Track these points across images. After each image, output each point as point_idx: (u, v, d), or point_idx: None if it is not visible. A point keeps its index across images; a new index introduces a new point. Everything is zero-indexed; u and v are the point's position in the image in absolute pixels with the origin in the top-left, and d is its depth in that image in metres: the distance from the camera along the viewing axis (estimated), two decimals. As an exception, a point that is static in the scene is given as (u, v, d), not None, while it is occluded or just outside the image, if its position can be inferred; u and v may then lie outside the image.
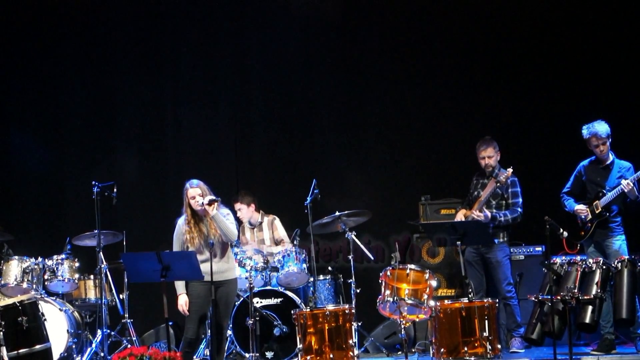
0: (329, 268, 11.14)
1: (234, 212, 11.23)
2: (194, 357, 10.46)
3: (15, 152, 12.63)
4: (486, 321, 8.98)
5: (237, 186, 12.17)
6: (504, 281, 10.38)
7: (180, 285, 9.05)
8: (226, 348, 10.55)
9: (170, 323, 9.19)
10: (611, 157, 10.01)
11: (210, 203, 8.97)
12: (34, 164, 12.57)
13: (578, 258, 9.36)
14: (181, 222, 9.22)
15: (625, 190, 9.69)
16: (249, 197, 11.34)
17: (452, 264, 11.13)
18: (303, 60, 12.59)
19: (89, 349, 10.66)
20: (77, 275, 10.86)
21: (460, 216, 10.53)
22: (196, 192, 9.08)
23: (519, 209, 10.38)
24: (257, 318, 9.85)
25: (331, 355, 9.19)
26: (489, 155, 10.46)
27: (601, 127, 9.89)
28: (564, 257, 9.76)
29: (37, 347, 8.60)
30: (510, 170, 10.16)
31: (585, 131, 9.98)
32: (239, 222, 11.40)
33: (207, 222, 9.06)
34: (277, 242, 11.32)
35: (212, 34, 12.69)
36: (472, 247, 10.41)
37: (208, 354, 10.21)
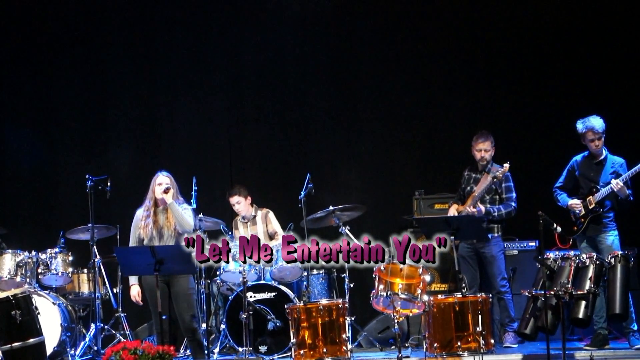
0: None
1: (230, 207, 11.25)
2: (185, 350, 10.51)
3: (9, 146, 12.61)
4: (479, 316, 8.97)
5: (231, 180, 12.17)
6: (499, 276, 10.39)
7: (133, 277, 9.25)
8: (219, 342, 10.58)
9: (164, 317, 9.19)
10: (604, 152, 10.02)
11: (165, 191, 9.13)
12: (28, 158, 12.56)
13: (572, 253, 9.35)
14: (138, 212, 9.39)
15: (615, 190, 9.70)
16: (245, 190, 11.34)
17: (446, 259, 11.12)
18: (297, 55, 12.59)
19: (82, 343, 10.67)
20: (70, 269, 10.86)
21: (452, 211, 10.53)
22: (165, 180, 9.24)
23: (513, 204, 10.38)
24: (251, 312, 9.86)
25: (324, 350, 9.18)
26: (486, 149, 10.45)
27: (597, 122, 9.90)
28: (557, 252, 9.75)
29: (31, 340, 8.58)
30: (507, 165, 10.14)
31: (580, 125, 9.97)
32: (233, 216, 11.42)
33: (165, 213, 9.13)
34: (271, 236, 11.31)
35: (207, 28, 12.70)
36: (467, 241, 10.42)
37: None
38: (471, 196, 10.41)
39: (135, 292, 9.29)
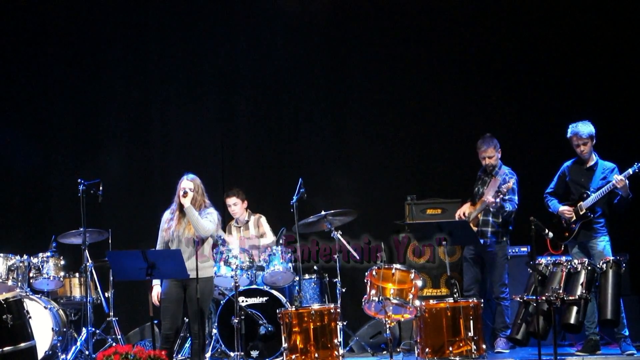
0: (315, 267, 11.14)
1: (225, 208, 11.24)
2: (177, 354, 10.50)
3: (1, 149, 12.57)
4: (471, 321, 9.00)
5: (223, 185, 12.15)
6: (498, 282, 10.43)
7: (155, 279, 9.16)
8: (211, 347, 10.58)
9: (155, 322, 9.18)
10: (595, 158, 10.03)
11: (184, 195, 9.09)
12: (20, 161, 12.51)
13: (563, 259, 9.38)
14: (165, 214, 9.35)
15: (618, 186, 9.67)
16: (243, 193, 11.35)
17: (438, 264, 11.16)
18: (290, 59, 12.58)
19: (73, 347, 10.64)
20: (62, 273, 10.84)
21: (464, 208, 10.57)
22: (188, 185, 9.19)
23: (514, 205, 10.39)
24: (243, 317, 9.84)
25: (316, 355, 9.19)
26: (489, 156, 10.50)
27: (584, 128, 9.92)
28: (549, 258, 9.78)
29: (22, 345, 8.57)
30: (510, 184, 10.16)
31: (568, 130, 10.02)
32: (227, 220, 11.42)
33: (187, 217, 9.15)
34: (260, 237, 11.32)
35: (199, 32, 12.67)
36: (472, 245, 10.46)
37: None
38: (481, 200, 10.44)
39: (155, 292, 9.20)
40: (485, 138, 10.55)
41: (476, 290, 10.44)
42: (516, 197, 10.43)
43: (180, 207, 9.17)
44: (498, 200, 10.21)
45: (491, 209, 10.33)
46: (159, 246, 9.26)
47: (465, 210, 10.58)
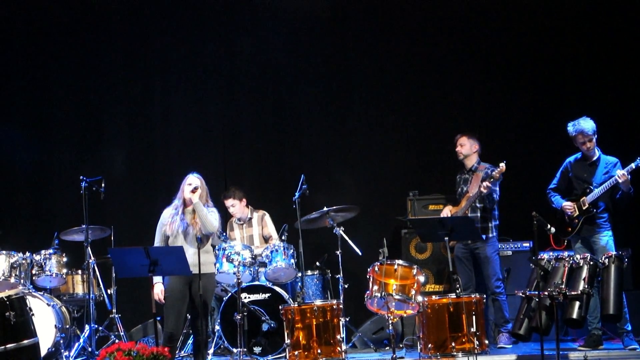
0: (317, 263, 11.14)
1: (224, 208, 11.24)
2: (180, 350, 10.50)
3: (3, 147, 12.57)
4: (474, 317, 8.98)
5: (225, 181, 12.16)
6: (493, 277, 10.42)
7: (157, 276, 9.13)
8: (213, 343, 10.59)
9: (158, 318, 9.18)
10: (597, 153, 10.03)
11: (193, 191, 9.11)
12: (22, 159, 12.52)
13: (565, 254, 9.36)
14: (166, 210, 9.32)
15: (620, 181, 9.66)
16: (241, 192, 11.34)
17: (440, 260, 11.15)
18: (291, 56, 12.58)
19: (76, 344, 10.65)
20: (64, 270, 10.85)
21: (446, 212, 10.58)
22: (195, 181, 9.19)
23: (496, 196, 10.43)
24: (245, 313, 9.86)
25: (319, 351, 9.20)
26: (461, 144, 10.62)
27: (587, 124, 9.91)
28: (551, 253, 9.76)
29: (25, 342, 8.56)
30: (502, 165, 10.14)
31: (571, 128, 10.00)
32: (228, 217, 11.42)
33: (193, 214, 9.13)
34: (266, 239, 11.31)
35: (201, 29, 12.67)
36: (462, 242, 10.44)
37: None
38: (466, 197, 10.45)
39: (158, 290, 9.17)
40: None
41: (473, 289, 10.44)
42: (497, 189, 10.45)
43: (185, 204, 9.17)
44: (491, 185, 10.21)
45: (481, 196, 10.32)
46: (157, 244, 9.26)
47: (447, 213, 10.57)
